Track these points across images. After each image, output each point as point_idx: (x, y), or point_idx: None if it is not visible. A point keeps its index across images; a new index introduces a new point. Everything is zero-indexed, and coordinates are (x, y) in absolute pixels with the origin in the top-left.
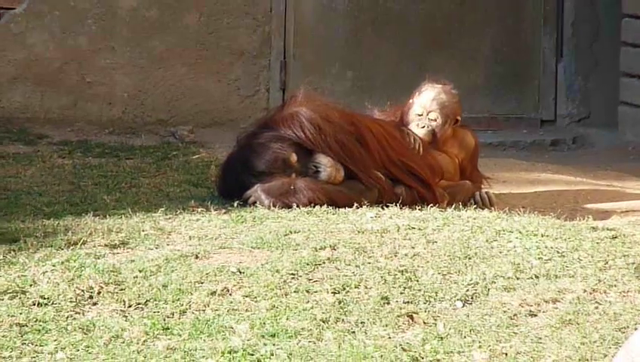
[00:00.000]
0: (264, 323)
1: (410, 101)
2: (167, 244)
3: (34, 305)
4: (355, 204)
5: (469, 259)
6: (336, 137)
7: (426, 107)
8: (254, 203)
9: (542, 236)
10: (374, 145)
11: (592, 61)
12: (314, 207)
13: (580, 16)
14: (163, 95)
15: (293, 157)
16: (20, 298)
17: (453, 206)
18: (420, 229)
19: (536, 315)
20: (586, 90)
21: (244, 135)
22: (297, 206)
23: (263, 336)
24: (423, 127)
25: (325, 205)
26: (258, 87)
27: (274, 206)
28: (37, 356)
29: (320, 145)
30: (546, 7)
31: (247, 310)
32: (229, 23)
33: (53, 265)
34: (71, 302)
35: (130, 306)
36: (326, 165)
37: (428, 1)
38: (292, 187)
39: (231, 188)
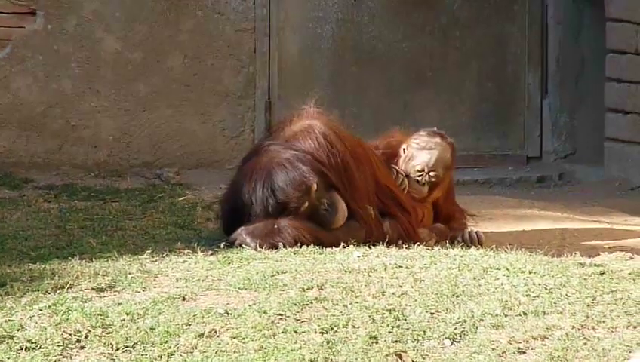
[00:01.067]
0: None
1: (407, 148)
2: (154, 287)
3: (22, 349)
4: (342, 244)
5: (457, 297)
6: (343, 159)
7: (429, 165)
8: (240, 245)
9: (529, 273)
10: (369, 170)
11: (577, 97)
12: (300, 246)
13: (564, 52)
14: (148, 137)
15: (314, 187)
16: (7, 343)
17: (440, 244)
18: (407, 268)
19: (524, 352)
20: (572, 126)
21: (260, 146)
22: (284, 245)
23: None
24: (424, 183)
25: (312, 244)
26: (243, 127)
27: (260, 247)
28: None
29: (328, 164)
30: (530, 43)
31: (235, 351)
32: (214, 64)
33: (41, 310)
34: (58, 346)
35: (117, 349)
36: (338, 209)
37: (412, 39)
38: (275, 226)
39: (241, 207)
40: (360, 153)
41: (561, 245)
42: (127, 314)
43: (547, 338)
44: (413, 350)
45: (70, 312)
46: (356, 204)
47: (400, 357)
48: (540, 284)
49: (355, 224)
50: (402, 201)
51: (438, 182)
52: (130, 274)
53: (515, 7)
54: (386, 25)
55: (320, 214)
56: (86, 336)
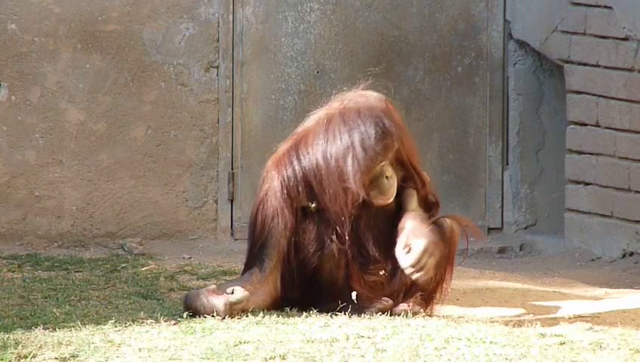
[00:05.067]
0: None
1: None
2: (117, 357)
3: None
4: (304, 314)
5: None
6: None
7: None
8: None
9: (490, 343)
10: None
11: (538, 169)
12: (263, 317)
13: (525, 124)
14: (111, 207)
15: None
16: None
17: (402, 314)
18: (369, 338)
19: None
20: (532, 197)
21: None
22: None
23: None
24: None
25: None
26: (206, 198)
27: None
28: None
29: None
30: (491, 116)
31: None
32: (177, 135)
33: None
34: None
35: None
36: (395, 180)
37: None
38: None
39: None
40: None
41: (522, 315)
42: None
43: None
44: None
45: None
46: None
47: None
48: (500, 354)
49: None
50: None
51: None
52: (93, 343)
53: (476, 80)
54: None
55: (379, 183)
56: None
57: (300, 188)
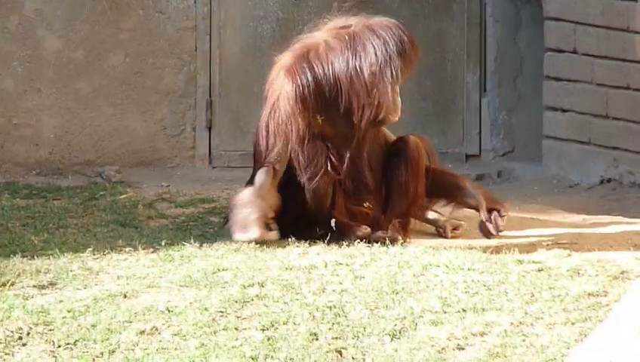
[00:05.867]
0: None
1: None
2: (96, 284)
3: None
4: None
5: (397, 294)
6: None
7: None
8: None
9: (468, 270)
10: None
11: (516, 96)
12: (241, 244)
13: (502, 51)
14: (90, 136)
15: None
16: None
17: (380, 241)
18: (347, 265)
19: (464, 349)
20: (510, 124)
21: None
22: None
23: None
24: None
25: None
26: (184, 126)
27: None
28: None
29: None
30: (469, 42)
31: (176, 349)
32: (155, 62)
33: None
34: (0, 343)
35: (59, 346)
36: None
37: None
38: None
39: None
40: None
41: (500, 242)
42: (69, 312)
43: (486, 334)
44: (354, 346)
45: (12, 309)
46: None
47: (340, 353)
48: (478, 281)
49: None
50: None
51: None
52: (71, 271)
53: (454, 6)
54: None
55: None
56: (28, 334)
57: (312, 98)
